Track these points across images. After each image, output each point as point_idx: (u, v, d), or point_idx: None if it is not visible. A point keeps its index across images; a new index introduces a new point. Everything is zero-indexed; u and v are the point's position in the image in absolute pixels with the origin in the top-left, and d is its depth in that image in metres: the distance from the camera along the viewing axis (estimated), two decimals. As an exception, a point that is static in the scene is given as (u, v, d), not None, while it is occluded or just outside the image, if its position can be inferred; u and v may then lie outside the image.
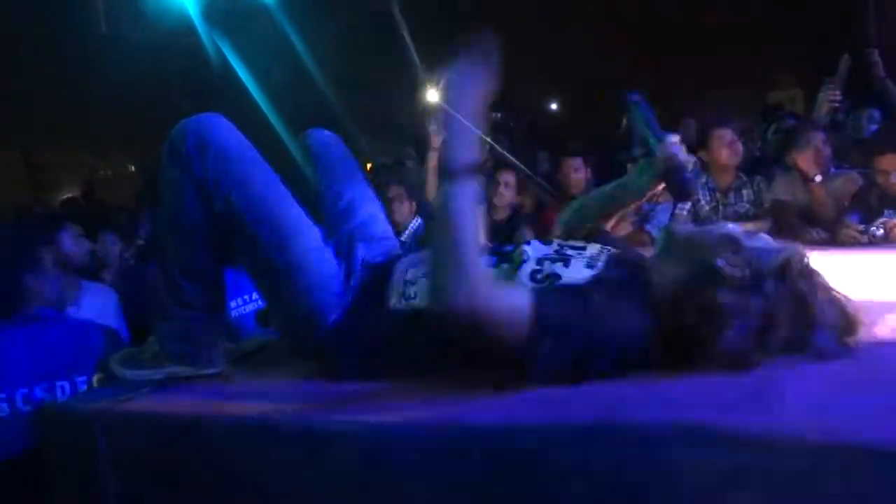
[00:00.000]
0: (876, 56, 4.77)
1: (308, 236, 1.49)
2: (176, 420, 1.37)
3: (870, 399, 1.07)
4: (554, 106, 11.96)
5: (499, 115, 6.97)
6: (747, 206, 3.53)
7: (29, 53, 7.86)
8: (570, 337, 1.23)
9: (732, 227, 1.38)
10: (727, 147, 3.51)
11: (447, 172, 1.24)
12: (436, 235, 1.27)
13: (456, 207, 1.23)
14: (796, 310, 1.25)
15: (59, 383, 1.88)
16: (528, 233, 3.34)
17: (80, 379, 1.91)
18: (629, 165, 3.49)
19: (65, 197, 7.74)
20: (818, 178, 3.23)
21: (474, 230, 1.25)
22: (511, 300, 1.26)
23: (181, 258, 1.52)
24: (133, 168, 13.25)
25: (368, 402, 1.31)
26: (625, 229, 3.27)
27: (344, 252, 1.56)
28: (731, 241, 1.30)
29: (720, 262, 1.26)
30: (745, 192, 3.57)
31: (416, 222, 3.43)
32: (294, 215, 1.49)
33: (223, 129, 1.48)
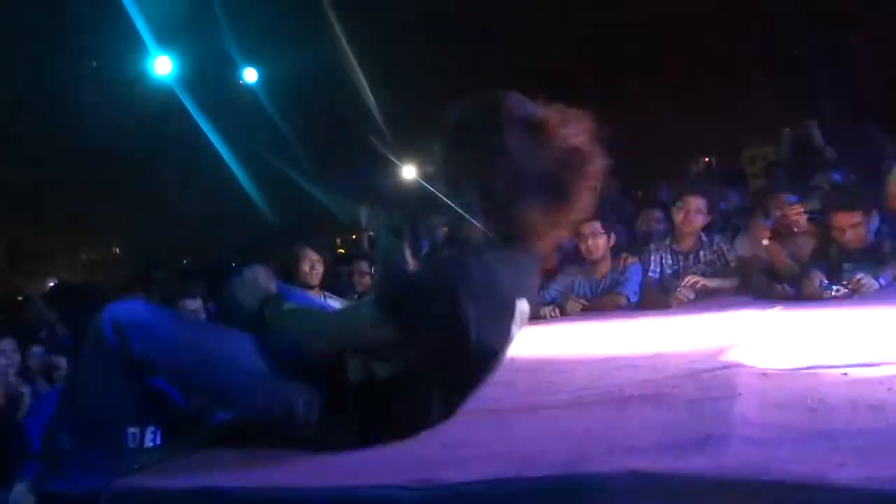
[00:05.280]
0: (814, 128, 5.26)
1: (251, 365, 1.55)
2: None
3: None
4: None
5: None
6: (704, 267, 3.70)
7: (13, 140, 8.00)
8: None
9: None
10: (688, 214, 3.69)
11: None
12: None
13: None
14: None
15: None
16: None
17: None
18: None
19: (50, 285, 7.76)
20: (765, 242, 3.44)
21: None
22: None
23: (90, 424, 1.53)
24: (118, 250, 13.31)
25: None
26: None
27: None
28: None
29: None
30: (702, 253, 3.74)
31: None
32: (227, 353, 1.56)
33: (141, 311, 1.56)
